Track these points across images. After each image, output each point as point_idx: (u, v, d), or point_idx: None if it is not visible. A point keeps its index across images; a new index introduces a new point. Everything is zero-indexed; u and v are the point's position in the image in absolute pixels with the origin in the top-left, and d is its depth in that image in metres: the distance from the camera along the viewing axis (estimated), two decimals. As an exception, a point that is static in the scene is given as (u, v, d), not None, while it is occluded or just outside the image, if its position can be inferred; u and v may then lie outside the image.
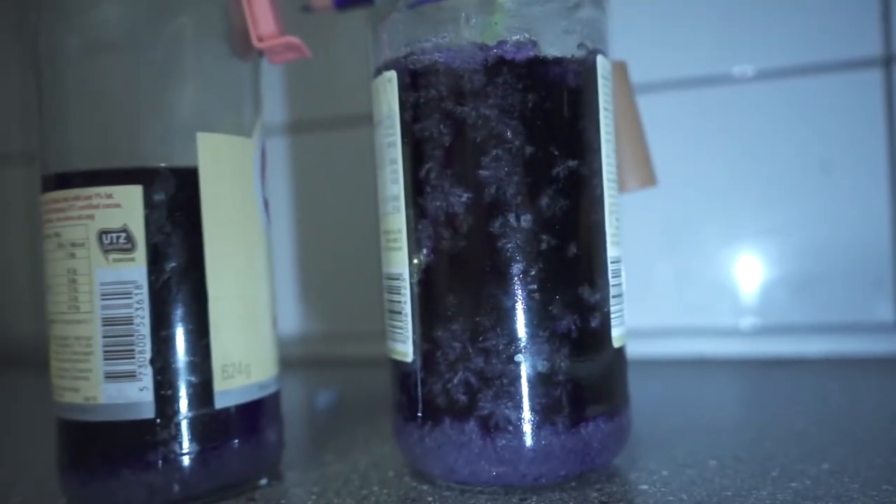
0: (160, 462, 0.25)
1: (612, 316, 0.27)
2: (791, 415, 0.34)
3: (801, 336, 0.49)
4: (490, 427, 0.25)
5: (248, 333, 0.27)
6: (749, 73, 0.51)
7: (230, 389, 0.26)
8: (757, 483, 0.25)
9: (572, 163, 0.26)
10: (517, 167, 0.25)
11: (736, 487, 0.25)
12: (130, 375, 0.25)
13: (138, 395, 0.25)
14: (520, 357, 0.25)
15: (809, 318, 0.50)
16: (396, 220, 0.27)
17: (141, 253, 0.25)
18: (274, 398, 0.29)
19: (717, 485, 0.25)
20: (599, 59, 0.27)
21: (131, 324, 0.25)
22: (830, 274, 0.50)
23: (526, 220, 0.25)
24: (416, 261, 0.26)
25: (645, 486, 0.26)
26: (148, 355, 0.25)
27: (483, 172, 0.25)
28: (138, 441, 0.25)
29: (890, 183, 0.49)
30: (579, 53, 0.26)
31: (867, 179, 0.49)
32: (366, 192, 0.57)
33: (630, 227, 0.49)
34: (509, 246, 0.25)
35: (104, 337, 0.25)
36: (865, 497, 0.24)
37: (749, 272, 0.52)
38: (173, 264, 0.25)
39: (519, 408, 0.25)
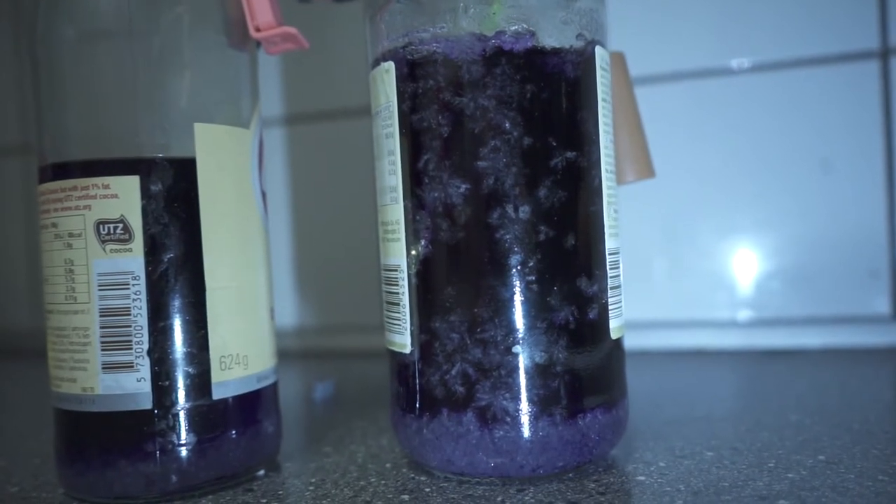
0: (157, 453, 0.25)
1: (609, 307, 0.27)
2: (787, 406, 0.34)
3: (797, 328, 0.50)
4: (488, 418, 0.25)
5: (246, 324, 0.27)
6: (746, 66, 0.51)
7: (228, 380, 0.26)
8: (753, 474, 0.25)
9: (570, 154, 0.26)
10: (515, 158, 0.25)
11: (733, 478, 0.25)
12: (128, 366, 0.25)
13: (136, 386, 0.25)
14: (517, 348, 0.25)
15: (806, 311, 0.50)
16: (394, 211, 0.27)
17: (138, 243, 0.25)
18: (272, 389, 0.29)
19: (714, 476, 0.26)
20: (598, 49, 0.27)
21: (129, 314, 0.25)
22: (827, 266, 0.50)
23: (524, 212, 0.25)
24: (413, 252, 0.26)
25: (642, 478, 0.26)
26: (145, 346, 0.25)
27: (481, 163, 0.25)
28: (136, 431, 0.25)
29: (886, 175, 0.49)
30: (578, 44, 0.26)
31: (863, 172, 0.49)
32: (363, 184, 0.57)
33: (627, 219, 0.49)
34: (507, 237, 0.25)
35: (102, 328, 0.25)
36: (861, 487, 0.24)
37: (746, 264, 0.52)
38: (171, 255, 0.25)
39: (517, 399, 0.25)
